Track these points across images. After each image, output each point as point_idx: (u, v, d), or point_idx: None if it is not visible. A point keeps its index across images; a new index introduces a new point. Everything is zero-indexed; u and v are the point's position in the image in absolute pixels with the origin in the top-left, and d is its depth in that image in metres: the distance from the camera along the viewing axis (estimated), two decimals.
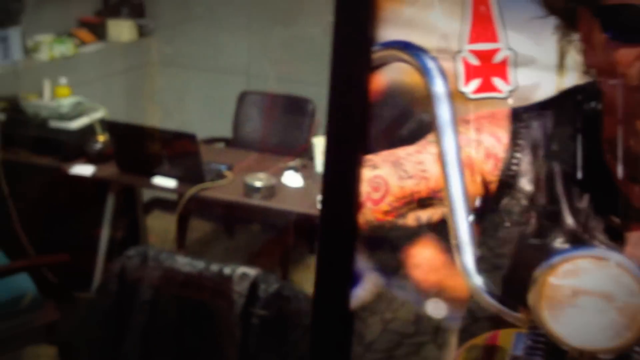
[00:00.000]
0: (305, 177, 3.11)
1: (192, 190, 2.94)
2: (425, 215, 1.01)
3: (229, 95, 4.03)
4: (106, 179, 3.14)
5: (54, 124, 3.18)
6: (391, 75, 1.00)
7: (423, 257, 1.01)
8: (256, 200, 2.93)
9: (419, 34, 1.03)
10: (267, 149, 3.64)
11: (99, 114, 3.33)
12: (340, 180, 0.58)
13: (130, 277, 2.25)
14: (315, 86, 3.96)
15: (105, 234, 3.26)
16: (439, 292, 1.00)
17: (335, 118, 0.56)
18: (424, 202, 1.00)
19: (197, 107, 4.31)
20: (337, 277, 0.61)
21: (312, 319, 0.63)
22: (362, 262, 0.96)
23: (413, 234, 1.01)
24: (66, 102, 3.25)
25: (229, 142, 3.92)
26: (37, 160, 3.20)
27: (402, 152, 1.03)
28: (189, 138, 2.94)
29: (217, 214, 4.06)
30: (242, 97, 3.91)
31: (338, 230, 0.60)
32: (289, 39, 4.05)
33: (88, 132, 3.25)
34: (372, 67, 0.57)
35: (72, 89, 3.50)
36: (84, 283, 3.28)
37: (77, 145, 3.19)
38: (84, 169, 3.12)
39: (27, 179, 3.22)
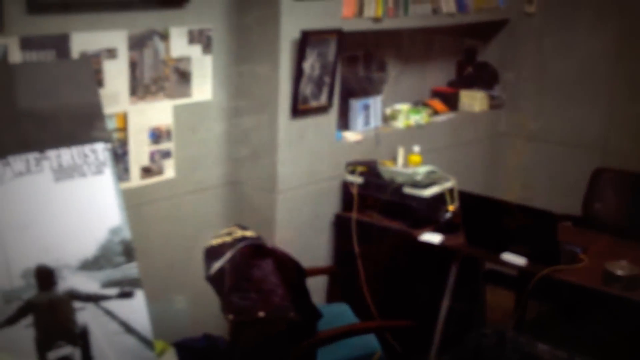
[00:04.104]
0: None
1: (545, 271, 2.78)
2: None
3: (580, 170, 3.81)
4: (453, 249, 3.12)
5: (408, 190, 3.27)
6: None
7: None
8: (615, 290, 2.68)
9: None
10: (621, 232, 3.33)
11: (449, 184, 3.36)
12: None
13: (486, 356, 2.19)
14: None
15: (446, 303, 3.24)
16: None
17: None
18: None
19: (544, 181, 4.16)
20: None
21: None
22: None
23: None
24: (421, 170, 3.34)
25: (576, 220, 3.68)
26: (387, 223, 3.32)
27: None
28: (546, 216, 2.80)
29: (556, 296, 3.82)
30: (597, 174, 3.66)
31: None
32: None
33: (438, 200, 3.29)
34: None
35: (422, 156, 3.60)
36: (418, 348, 3.29)
37: (427, 213, 3.24)
38: (432, 237, 3.14)
39: (377, 241, 3.35)
